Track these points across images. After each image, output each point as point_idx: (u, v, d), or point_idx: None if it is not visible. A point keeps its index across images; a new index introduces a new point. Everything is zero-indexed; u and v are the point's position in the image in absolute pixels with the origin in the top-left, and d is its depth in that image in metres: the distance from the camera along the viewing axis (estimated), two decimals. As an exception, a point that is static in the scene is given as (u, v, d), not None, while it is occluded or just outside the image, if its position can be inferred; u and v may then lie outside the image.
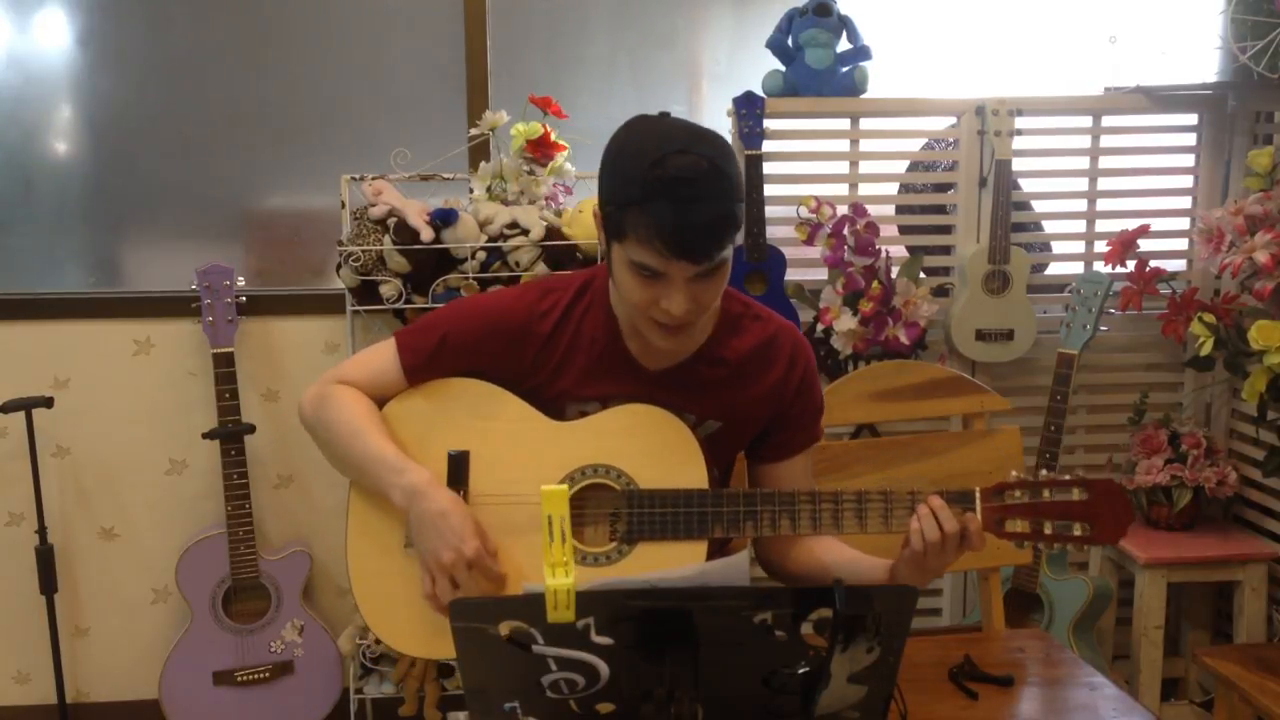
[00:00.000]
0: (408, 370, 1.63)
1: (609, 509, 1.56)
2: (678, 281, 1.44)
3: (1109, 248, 2.84)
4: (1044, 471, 1.49)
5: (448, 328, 1.62)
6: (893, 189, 3.00)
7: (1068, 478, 1.47)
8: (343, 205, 2.74)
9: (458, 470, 1.57)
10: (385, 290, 2.63)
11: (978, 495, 1.48)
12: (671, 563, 1.52)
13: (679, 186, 1.39)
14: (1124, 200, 2.99)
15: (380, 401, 1.64)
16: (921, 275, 2.87)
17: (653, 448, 1.56)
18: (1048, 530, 1.46)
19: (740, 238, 2.81)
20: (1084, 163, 2.97)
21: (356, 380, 1.65)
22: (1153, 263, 2.81)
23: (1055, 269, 3.04)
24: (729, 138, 2.81)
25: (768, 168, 2.78)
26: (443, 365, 1.63)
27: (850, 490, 1.52)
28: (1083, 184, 2.99)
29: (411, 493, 1.53)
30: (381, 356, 1.65)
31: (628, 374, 1.61)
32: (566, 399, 1.62)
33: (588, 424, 1.59)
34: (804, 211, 2.77)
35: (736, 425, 1.65)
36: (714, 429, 1.64)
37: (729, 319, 1.63)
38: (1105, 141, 2.97)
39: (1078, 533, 1.46)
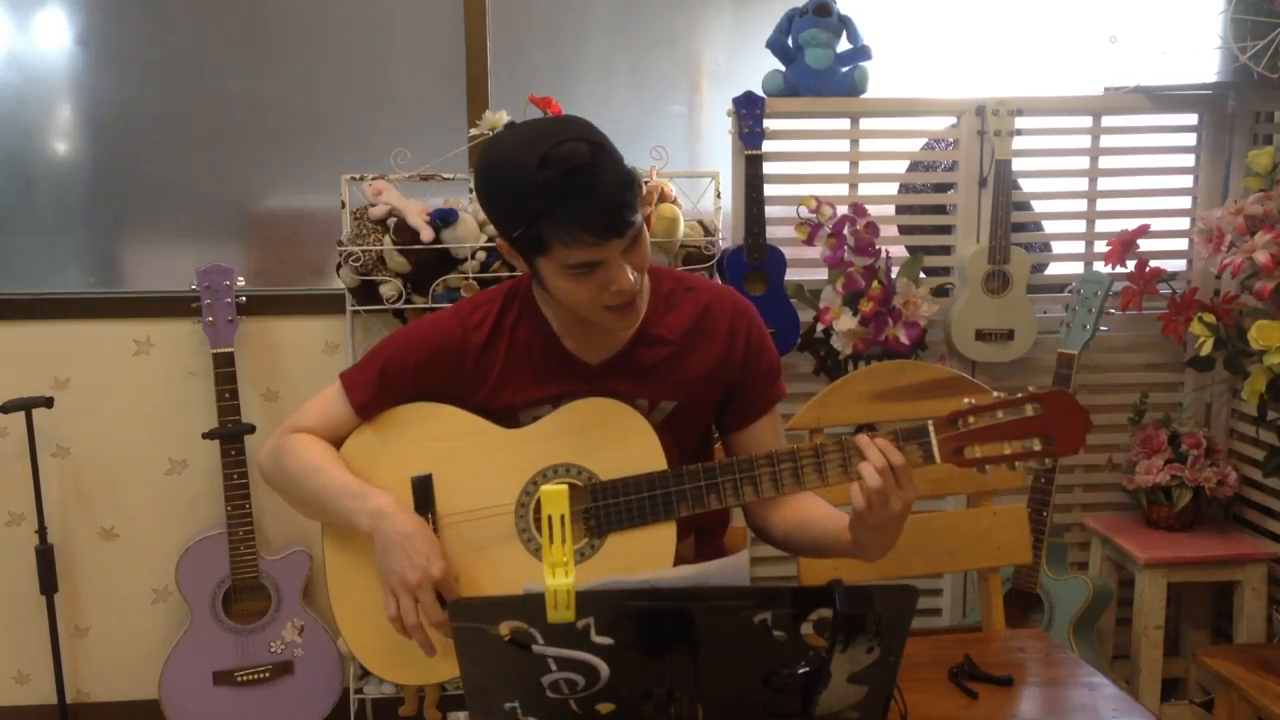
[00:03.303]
0: (357, 407, 1.63)
1: (577, 506, 1.56)
2: (614, 261, 1.45)
3: (1109, 248, 2.84)
4: (996, 394, 1.47)
5: (386, 356, 1.63)
6: (893, 189, 3.00)
7: (1020, 395, 1.44)
8: (343, 205, 2.74)
9: (423, 494, 1.57)
10: (385, 290, 2.63)
11: (931, 426, 1.46)
12: (643, 548, 1.52)
13: (576, 175, 1.39)
14: (1124, 200, 2.99)
15: (337, 443, 1.65)
16: (921, 275, 2.87)
17: (608, 439, 1.55)
18: (1008, 450, 1.44)
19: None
20: (1084, 163, 2.97)
21: (310, 426, 1.65)
22: (1153, 263, 2.81)
23: (1055, 269, 3.04)
24: (729, 138, 2.81)
25: (768, 168, 2.78)
26: (390, 394, 1.63)
27: (807, 445, 1.50)
28: (1083, 184, 2.99)
29: (377, 514, 1.52)
30: (330, 399, 1.65)
31: (570, 373, 1.62)
32: (517, 406, 1.62)
33: (542, 427, 1.59)
34: (804, 211, 2.77)
35: (691, 402, 1.65)
36: (670, 409, 1.64)
37: (661, 296, 1.63)
38: (1105, 141, 2.97)
39: (1038, 447, 1.44)
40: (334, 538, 1.63)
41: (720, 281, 2.76)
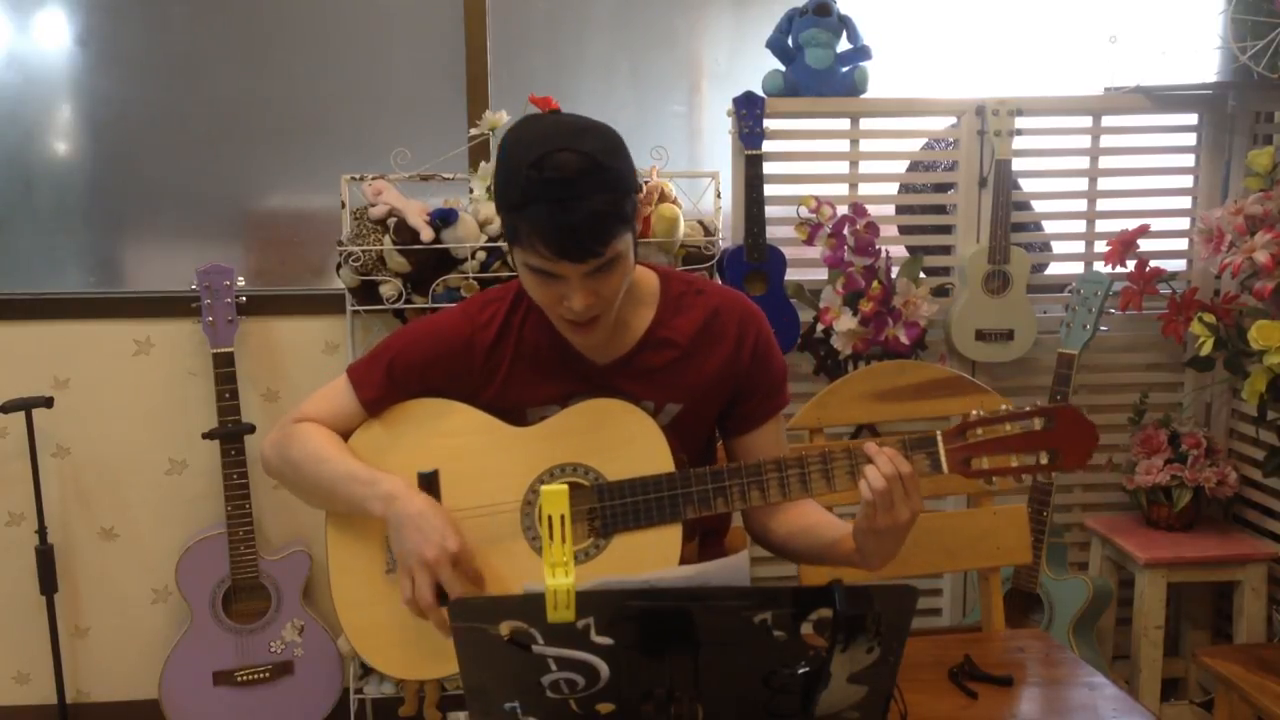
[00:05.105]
0: (365, 403, 1.63)
1: (582, 506, 1.56)
2: (573, 280, 1.44)
3: (1109, 248, 2.84)
4: (1004, 407, 1.48)
5: (393, 353, 1.63)
6: (893, 189, 3.00)
7: (1028, 408, 1.45)
8: (343, 205, 2.74)
9: (429, 489, 1.57)
10: (385, 290, 2.63)
11: (939, 437, 1.47)
12: (648, 550, 1.52)
13: (555, 187, 1.37)
14: (1124, 200, 2.99)
15: (343, 436, 1.64)
16: (921, 275, 2.87)
17: (616, 440, 1.55)
18: (1014, 463, 1.45)
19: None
20: (1084, 163, 2.97)
21: (315, 418, 1.65)
22: (1153, 263, 2.81)
23: (1055, 269, 3.04)
24: (729, 138, 2.81)
25: (768, 168, 2.78)
26: (397, 391, 1.63)
27: (814, 452, 1.50)
28: (1083, 184, 2.99)
29: (388, 498, 1.52)
30: (337, 393, 1.65)
31: (578, 372, 1.61)
32: (525, 405, 1.62)
33: (550, 425, 1.59)
34: (804, 211, 2.77)
35: (697, 405, 1.64)
36: (676, 412, 1.63)
37: (670, 300, 1.63)
38: (1105, 141, 2.97)
39: (1044, 461, 1.45)
40: (337, 530, 1.63)
41: (720, 281, 2.76)
